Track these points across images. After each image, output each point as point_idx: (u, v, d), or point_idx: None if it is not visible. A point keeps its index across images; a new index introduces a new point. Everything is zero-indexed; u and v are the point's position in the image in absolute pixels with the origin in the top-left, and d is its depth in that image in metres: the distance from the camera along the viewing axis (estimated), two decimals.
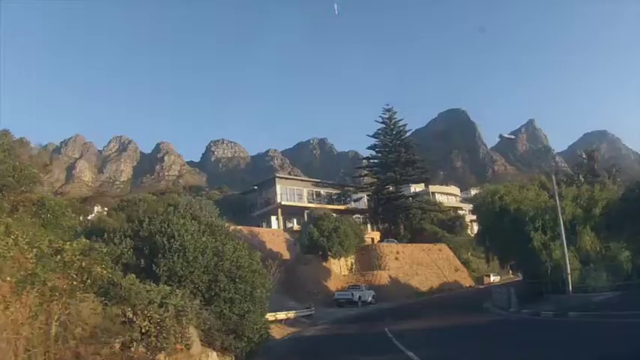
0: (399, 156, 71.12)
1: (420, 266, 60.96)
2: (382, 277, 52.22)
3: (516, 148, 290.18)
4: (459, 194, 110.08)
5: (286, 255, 52.18)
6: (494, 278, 73.07)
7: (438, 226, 75.66)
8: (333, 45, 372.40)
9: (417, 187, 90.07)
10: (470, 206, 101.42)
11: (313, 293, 44.68)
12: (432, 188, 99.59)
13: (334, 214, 54.71)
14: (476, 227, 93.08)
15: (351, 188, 73.66)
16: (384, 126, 73.92)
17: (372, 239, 64.40)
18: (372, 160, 74.12)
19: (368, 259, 55.85)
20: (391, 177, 70.15)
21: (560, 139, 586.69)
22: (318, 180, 74.21)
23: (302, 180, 68.43)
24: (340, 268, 53.70)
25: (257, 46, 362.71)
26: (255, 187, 71.42)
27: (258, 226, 58.89)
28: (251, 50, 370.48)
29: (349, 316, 35.46)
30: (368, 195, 75.02)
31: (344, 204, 68.32)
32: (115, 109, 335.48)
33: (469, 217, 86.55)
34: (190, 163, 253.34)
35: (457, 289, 61.65)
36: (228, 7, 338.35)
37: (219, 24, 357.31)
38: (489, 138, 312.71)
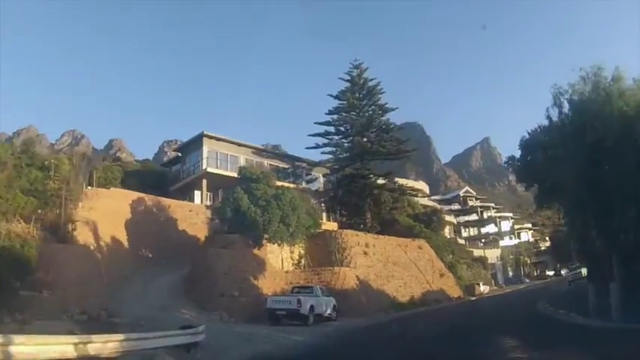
0: (371, 118, 52.99)
1: (397, 267, 42.86)
2: (347, 278, 33.56)
3: (470, 165, 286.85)
4: (428, 192, 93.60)
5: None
6: (483, 288, 56.43)
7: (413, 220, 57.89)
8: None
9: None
10: (447, 207, 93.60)
11: (231, 296, 25.41)
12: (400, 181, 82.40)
13: (276, 177, 36.05)
14: (448, 229, 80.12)
15: (304, 164, 54.72)
16: (351, 85, 55.57)
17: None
18: (333, 125, 54.99)
19: (325, 252, 37.20)
20: (360, 144, 51.94)
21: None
22: (262, 146, 54.77)
23: (239, 144, 48.90)
24: (282, 260, 34.81)
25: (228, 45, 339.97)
26: (180, 155, 51.89)
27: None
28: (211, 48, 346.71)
29: (286, 354, 15.83)
30: (326, 174, 56.45)
31: (294, 182, 49.39)
32: (71, 102, 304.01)
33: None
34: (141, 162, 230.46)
35: (446, 301, 44.20)
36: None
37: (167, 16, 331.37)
38: (444, 153, 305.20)
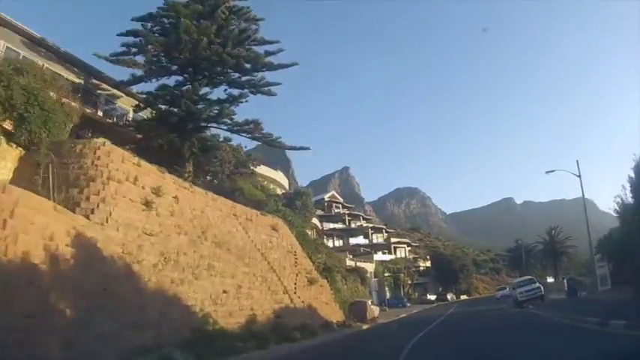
0: (215, 8, 29.54)
1: (225, 252, 19.54)
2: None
3: (327, 191, 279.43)
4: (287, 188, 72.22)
5: None
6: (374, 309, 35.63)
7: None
8: None
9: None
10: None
11: None
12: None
13: None
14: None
15: (107, 85, 29.79)
16: None
17: None
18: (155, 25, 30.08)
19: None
20: (194, 47, 28.32)
21: (372, 190, 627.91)
22: (41, 37, 27.43)
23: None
24: None
25: None
26: None
27: None
28: None
29: None
30: (137, 106, 32.04)
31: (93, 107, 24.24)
32: None
33: None
34: None
35: (322, 330, 21.77)
36: None
37: None
38: (303, 177, 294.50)
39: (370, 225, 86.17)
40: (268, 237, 25.25)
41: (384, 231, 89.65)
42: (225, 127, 31.54)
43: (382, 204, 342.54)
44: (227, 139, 33.23)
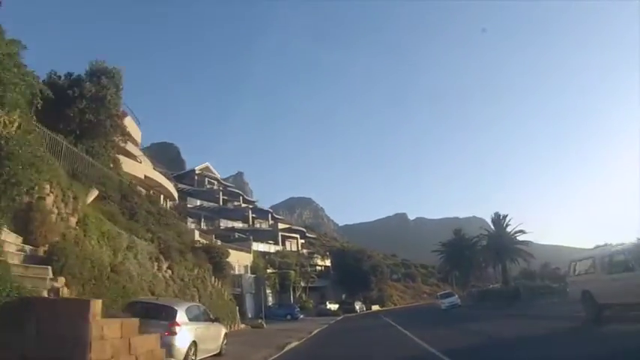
0: None
1: None
2: None
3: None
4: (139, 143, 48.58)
5: None
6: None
7: None
8: None
9: None
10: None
11: None
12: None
13: None
14: None
15: None
16: None
17: None
18: None
19: None
20: None
21: (266, 197, 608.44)
22: None
23: None
24: None
25: None
26: None
27: None
28: None
29: None
30: None
31: None
32: None
33: None
34: None
35: None
36: None
37: None
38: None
39: (251, 207, 64.26)
40: None
41: (270, 216, 68.02)
42: None
43: (275, 212, 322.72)
44: None
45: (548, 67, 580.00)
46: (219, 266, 25.75)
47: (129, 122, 37.18)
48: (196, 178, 63.30)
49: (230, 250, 37.70)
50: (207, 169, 65.99)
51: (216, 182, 65.44)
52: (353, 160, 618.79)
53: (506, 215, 52.11)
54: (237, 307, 27.92)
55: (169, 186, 41.30)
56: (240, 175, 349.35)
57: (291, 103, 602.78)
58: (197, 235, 32.44)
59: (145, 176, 34.26)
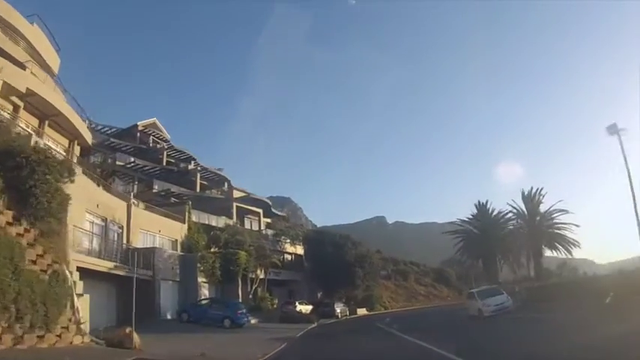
0: None
1: None
2: None
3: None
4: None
5: None
6: None
7: None
8: None
9: None
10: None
11: None
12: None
13: None
14: None
15: None
16: None
17: None
18: None
19: None
20: None
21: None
22: None
23: None
24: None
25: None
26: None
27: None
28: None
29: None
30: None
31: None
32: None
33: None
34: None
35: None
36: None
37: None
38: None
39: (200, 169, 51.11)
40: None
41: (225, 184, 54.27)
42: None
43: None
44: None
45: (544, 68, 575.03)
46: (38, 202, 12.05)
47: (38, 34, 25.05)
48: (138, 135, 49.40)
49: (144, 212, 23.99)
50: (154, 125, 51.95)
51: (165, 144, 51.50)
52: (335, 161, 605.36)
53: (541, 188, 40.63)
54: (81, 299, 13.64)
55: (77, 122, 27.53)
56: (220, 170, 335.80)
57: (283, 102, 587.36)
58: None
59: (29, 90, 20.95)
